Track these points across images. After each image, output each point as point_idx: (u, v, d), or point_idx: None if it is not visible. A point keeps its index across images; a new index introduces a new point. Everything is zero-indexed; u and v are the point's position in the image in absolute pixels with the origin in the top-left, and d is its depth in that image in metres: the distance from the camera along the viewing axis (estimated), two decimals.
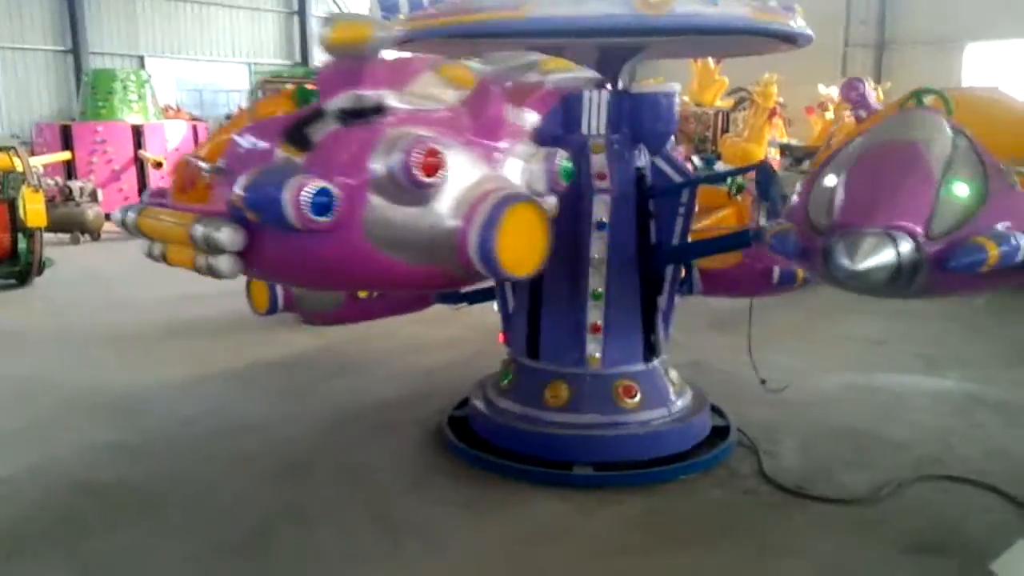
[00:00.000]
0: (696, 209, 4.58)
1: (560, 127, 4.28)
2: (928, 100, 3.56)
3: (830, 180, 3.10)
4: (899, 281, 2.81)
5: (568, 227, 4.31)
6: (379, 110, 2.91)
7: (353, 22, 2.91)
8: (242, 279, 3.39)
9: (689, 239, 4.55)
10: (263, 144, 2.99)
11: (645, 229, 4.39)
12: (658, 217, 4.44)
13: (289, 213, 2.66)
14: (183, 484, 4.23)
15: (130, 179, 15.46)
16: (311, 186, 2.67)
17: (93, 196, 13.12)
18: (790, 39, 4.11)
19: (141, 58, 24.47)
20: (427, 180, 2.77)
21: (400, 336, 6.70)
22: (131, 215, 3.35)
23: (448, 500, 4.02)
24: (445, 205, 2.92)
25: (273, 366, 6.24)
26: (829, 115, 14.97)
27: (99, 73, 17.17)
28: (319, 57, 24.36)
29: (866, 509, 3.87)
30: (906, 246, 2.76)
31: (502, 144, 3.15)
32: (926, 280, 2.85)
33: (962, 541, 3.59)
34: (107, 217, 12.43)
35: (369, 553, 3.56)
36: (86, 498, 4.07)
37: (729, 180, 5.15)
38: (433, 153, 2.77)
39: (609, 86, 4.26)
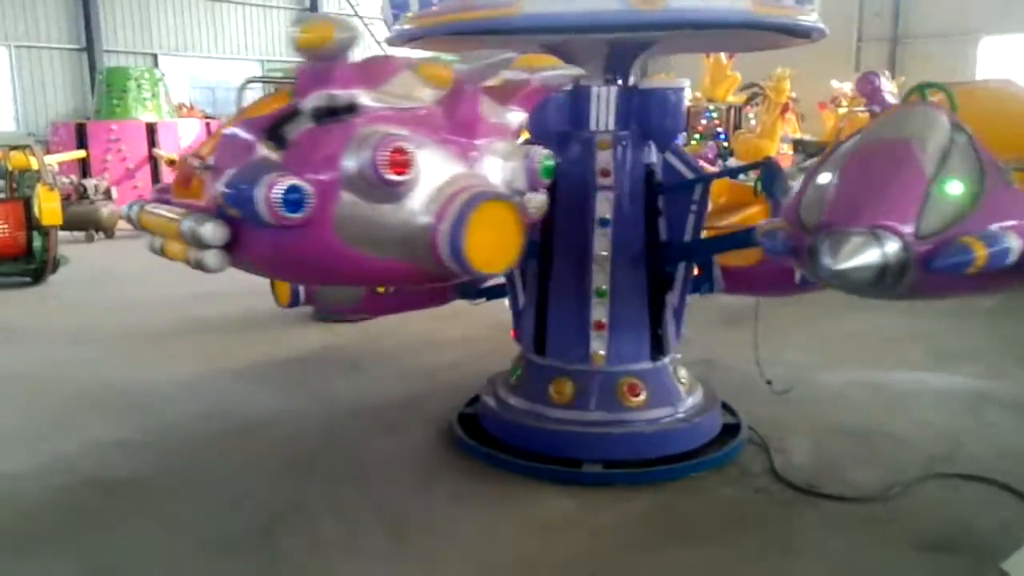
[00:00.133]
0: (709, 206, 4.55)
1: (568, 123, 4.28)
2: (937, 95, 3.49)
3: (823, 178, 3.06)
4: (886, 281, 2.75)
5: (574, 224, 4.31)
6: (352, 109, 2.95)
7: (316, 23, 2.94)
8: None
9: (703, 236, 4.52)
10: (247, 142, 3.07)
11: (653, 226, 4.36)
12: (668, 214, 4.41)
13: (262, 209, 2.74)
14: (192, 480, 4.26)
15: (144, 177, 15.57)
16: (282, 183, 2.74)
17: (107, 194, 13.21)
18: (799, 33, 4.02)
19: (155, 56, 24.58)
20: (395, 178, 2.82)
21: (413, 333, 6.71)
22: (135, 210, 3.47)
23: (456, 496, 4.02)
24: (418, 202, 2.96)
25: (283, 363, 6.26)
26: (842, 110, 14.90)
27: (113, 71, 17.29)
28: None
29: (877, 507, 3.85)
30: (892, 246, 2.70)
31: (479, 142, 3.18)
32: (914, 281, 2.77)
33: (974, 540, 3.57)
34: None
35: (375, 549, 3.57)
36: (95, 494, 4.10)
37: (755, 177, 5.09)
38: (401, 151, 2.81)
39: (620, 81, 4.24)
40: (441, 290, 4.84)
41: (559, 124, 4.32)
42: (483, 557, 3.52)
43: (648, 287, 4.38)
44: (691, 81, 4.84)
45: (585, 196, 4.22)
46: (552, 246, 4.40)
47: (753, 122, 14.17)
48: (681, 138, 8.70)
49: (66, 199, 11.75)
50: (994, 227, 2.77)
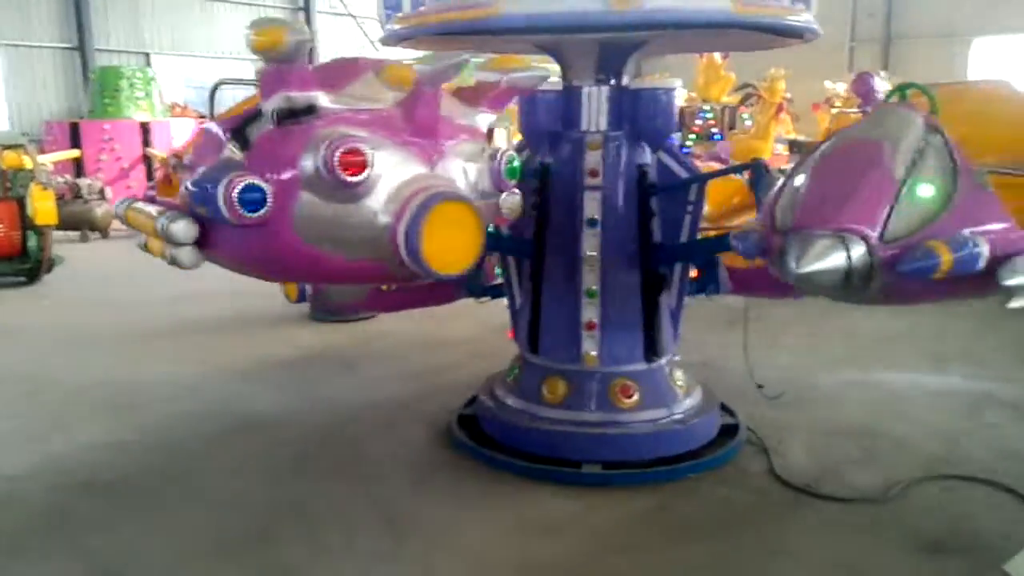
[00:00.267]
0: (705, 207, 4.54)
1: (560, 123, 4.27)
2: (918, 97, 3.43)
3: (798, 179, 3.05)
4: (853, 285, 2.74)
5: (564, 224, 4.31)
6: (311, 110, 3.00)
7: (268, 26, 2.95)
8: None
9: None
10: (218, 142, 3.13)
11: (646, 227, 4.33)
12: (663, 215, 4.39)
13: (223, 208, 2.82)
14: (187, 481, 4.24)
15: (138, 176, 15.53)
16: (241, 183, 2.82)
17: (101, 194, 13.16)
18: (789, 33, 3.96)
19: (147, 55, 24.47)
20: (350, 179, 2.87)
21: (412, 334, 6.70)
22: (122, 208, 3.57)
23: (454, 497, 4.02)
24: (378, 202, 3.00)
25: (280, 363, 6.24)
26: (834, 111, 14.92)
27: (105, 71, 17.24)
28: (325, 54, 24.41)
29: (876, 508, 3.85)
30: (857, 250, 2.69)
31: (442, 143, 3.21)
32: (884, 285, 2.75)
33: (974, 541, 3.57)
34: None
35: (374, 550, 3.56)
36: (89, 495, 4.08)
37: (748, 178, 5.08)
38: (355, 152, 2.86)
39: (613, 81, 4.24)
40: (446, 287, 4.84)
41: (551, 124, 4.32)
42: (482, 557, 3.51)
43: (642, 288, 4.36)
44: (685, 82, 4.82)
45: (575, 196, 4.22)
46: (544, 246, 4.40)
47: (749, 123, 14.14)
48: (676, 138, 8.69)
49: (60, 199, 11.71)
50: (965, 232, 2.73)
